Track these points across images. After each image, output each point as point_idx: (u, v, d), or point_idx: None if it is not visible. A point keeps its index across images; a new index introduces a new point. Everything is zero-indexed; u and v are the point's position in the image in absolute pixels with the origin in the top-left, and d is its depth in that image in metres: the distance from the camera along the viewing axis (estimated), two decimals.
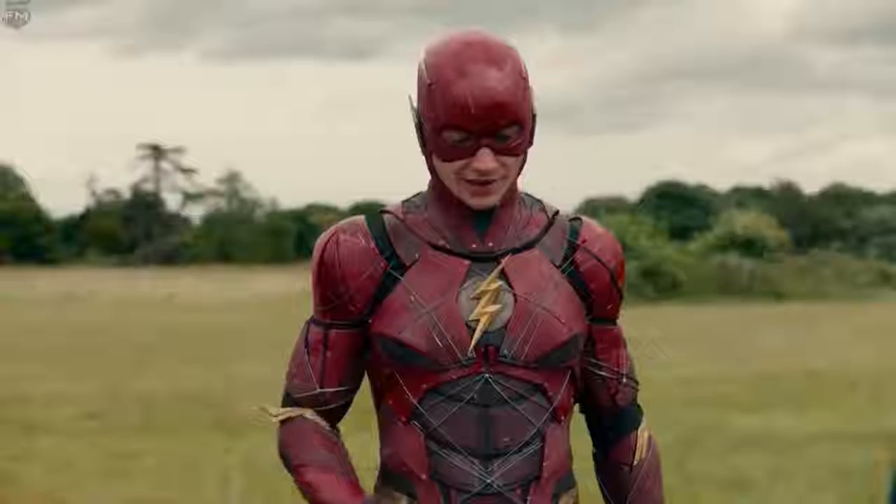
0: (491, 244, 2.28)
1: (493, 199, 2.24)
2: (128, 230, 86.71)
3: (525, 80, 2.22)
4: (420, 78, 2.23)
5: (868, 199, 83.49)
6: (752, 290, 38.69)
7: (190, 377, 15.61)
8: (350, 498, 2.29)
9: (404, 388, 2.28)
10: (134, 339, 22.13)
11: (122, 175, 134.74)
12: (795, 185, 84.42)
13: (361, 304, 2.31)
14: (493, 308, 2.25)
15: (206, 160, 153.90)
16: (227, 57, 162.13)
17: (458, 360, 2.24)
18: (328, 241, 2.33)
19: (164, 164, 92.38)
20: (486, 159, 2.18)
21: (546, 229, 2.34)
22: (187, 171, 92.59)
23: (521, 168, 2.27)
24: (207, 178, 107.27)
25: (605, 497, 2.52)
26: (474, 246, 2.28)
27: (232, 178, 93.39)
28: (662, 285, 37.80)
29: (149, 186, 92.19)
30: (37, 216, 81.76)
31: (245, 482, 8.61)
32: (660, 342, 21.09)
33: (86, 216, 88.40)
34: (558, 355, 2.28)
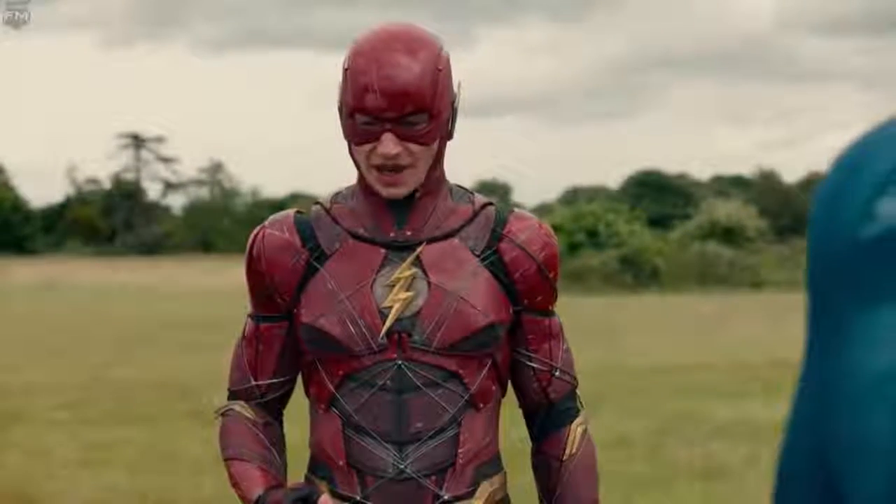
0: (409, 233, 2.32)
1: (402, 190, 2.28)
2: (108, 219, 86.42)
3: (441, 71, 2.26)
4: (343, 64, 2.27)
5: None
6: (732, 278, 38.78)
7: (168, 367, 15.59)
8: (255, 488, 2.35)
9: (323, 375, 2.34)
10: (113, 328, 22.09)
11: (103, 164, 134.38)
12: (776, 174, 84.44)
13: (288, 296, 2.37)
14: (405, 295, 2.29)
15: (191, 150, 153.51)
16: (216, 47, 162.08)
17: (371, 347, 2.29)
18: (256, 236, 2.42)
19: (146, 154, 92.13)
20: (388, 144, 2.22)
21: (470, 220, 2.36)
22: (168, 161, 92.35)
23: (435, 158, 2.30)
24: (190, 167, 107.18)
25: (538, 491, 2.54)
26: (392, 234, 2.33)
27: (214, 168, 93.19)
28: (641, 274, 37.86)
29: (129, 176, 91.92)
30: (16, 205, 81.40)
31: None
32: (638, 331, 21.17)
33: (66, 205, 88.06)
34: (472, 342, 2.31)
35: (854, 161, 0.91)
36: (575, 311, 23.27)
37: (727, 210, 44.58)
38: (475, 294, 2.31)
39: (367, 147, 2.24)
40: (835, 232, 0.89)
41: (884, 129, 0.91)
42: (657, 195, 74.29)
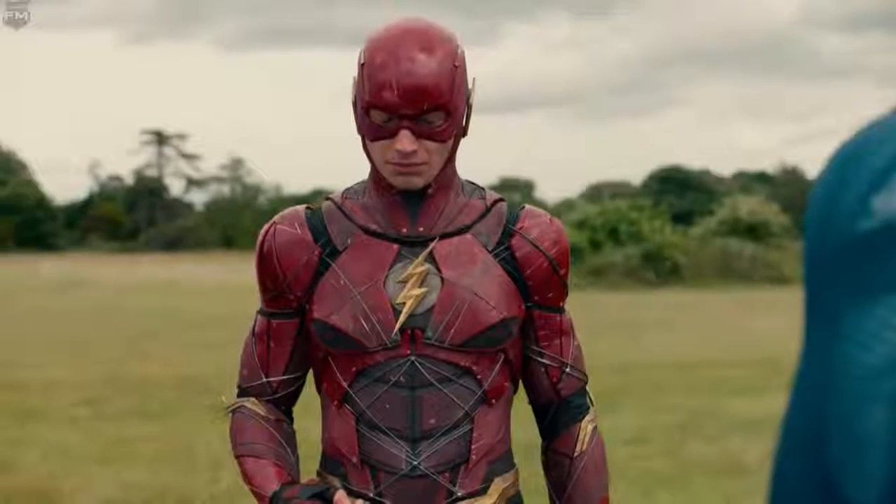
0: (422, 228, 2.30)
1: (416, 181, 2.25)
2: (131, 216, 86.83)
3: (457, 68, 2.23)
4: (358, 60, 2.24)
5: None
6: (754, 275, 38.64)
7: (189, 362, 15.61)
8: (270, 484, 2.33)
9: (336, 371, 2.33)
10: (134, 324, 22.12)
11: (125, 161, 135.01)
12: (799, 170, 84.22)
13: (299, 293, 2.35)
14: (418, 291, 2.27)
15: (213, 147, 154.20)
16: (239, 44, 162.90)
17: (384, 343, 2.27)
18: (266, 232, 2.40)
19: (168, 150, 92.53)
20: (405, 141, 2.19)
21: (482, 216, 2.35)
22: (190, 157, 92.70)
23: (450, 155, 2.28)
24: (212, 164, 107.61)
25: (548, 488, 2.53)
26: (405, 230, 2.31)
27: (235, 165, 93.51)
28: (663, 270, 37.76)
29: (152, 172, 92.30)
30: (40, 202, 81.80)
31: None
32: (659, 327, 21.12)
33: (89, 202, 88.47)
34: (486, 338, 2.29)
35: (849, 157, 0.91)
36: (597, 308, 23.31)
37: (749, 206, 44.40)
38: (488, 290, 2.30)
39: (384, 143, 2.22)
40: (830, 228, 0.88)
41: (878, 124, 0.91)
42: (680, 191, 74.27)
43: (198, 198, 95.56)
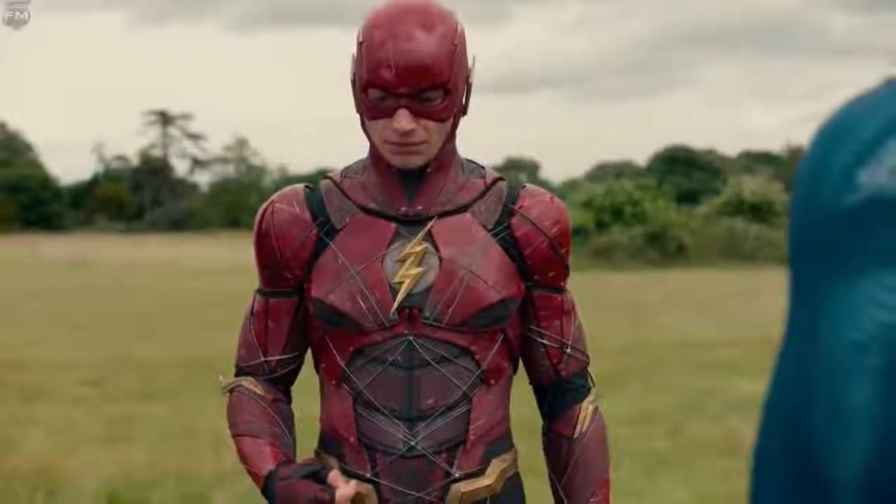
0: (420, 207, 2.28)
1: (415, 160, 2.23)
2: (136, 196, 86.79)
3: (456, 46, 2.20)
4: (357, 38, 2.22)
5: None
6: (758, 255, 38.58)
7: (192, 343, 15.60)
8: (266, 464, 2.33)
9: (333, 351, 2.31)
10: (139, 304, 22.13)
11: (131, 142, 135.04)
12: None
13: (298, 272, 2.34)
14: (416, 270, 2.26)
15: (220, 128, 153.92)
16: (248, 25, 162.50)
17: (382, 323, 2.25)
18: (265, 210, 2.39)
19: (173, 131, 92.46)
20: (402, 120, 2.17)
21: (482, 195, 2.33)
22: (195, 138, 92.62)
23: (449, 134, 2.26)
24: (217, 144, 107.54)
25: (548, 470, 2.51)
26: (403, 209, 2.29)
27: (240, 145, 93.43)
28: (667, 249, 37.72)
29: (157, 152, 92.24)
30: (45, 182, 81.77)
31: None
32: (664, 307, 21.11)
33: (94, 182, 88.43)
34: (484, 318, 2.27)
35: (836, 131, 0.89)
36: (601, 288, 23.26)
37: (754, 186, 44.30)
38: (486, 269, 2.28)
39: (382, 122, 2.20)
40: (816, 203, 0.87)
41: (864, 97, 0.89)
42: (686, 171, 74.15)
43: (203, 178, 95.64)
